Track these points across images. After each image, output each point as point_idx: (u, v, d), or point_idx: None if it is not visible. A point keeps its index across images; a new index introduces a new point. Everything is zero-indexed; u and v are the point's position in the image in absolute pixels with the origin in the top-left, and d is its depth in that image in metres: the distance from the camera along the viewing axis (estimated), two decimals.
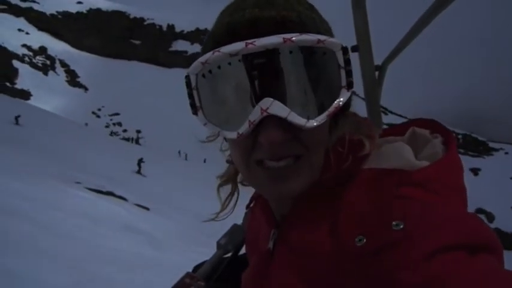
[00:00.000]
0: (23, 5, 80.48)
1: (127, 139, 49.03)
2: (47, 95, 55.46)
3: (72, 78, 65.29)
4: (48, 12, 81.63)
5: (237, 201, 0.77)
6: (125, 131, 55.40)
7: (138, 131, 44.65)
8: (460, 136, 52.56)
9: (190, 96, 0.60)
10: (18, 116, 16.08)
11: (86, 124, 41.98)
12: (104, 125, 55.18)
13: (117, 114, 59.52)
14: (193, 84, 0.59)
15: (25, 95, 51.96)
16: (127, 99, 63.53)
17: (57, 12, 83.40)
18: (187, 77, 0.60)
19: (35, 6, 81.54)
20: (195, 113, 0.61)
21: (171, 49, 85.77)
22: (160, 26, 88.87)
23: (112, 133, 51.98)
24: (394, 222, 0.50)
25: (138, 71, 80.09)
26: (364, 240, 0.51)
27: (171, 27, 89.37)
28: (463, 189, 0.59)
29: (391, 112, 69.56)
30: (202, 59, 0.56)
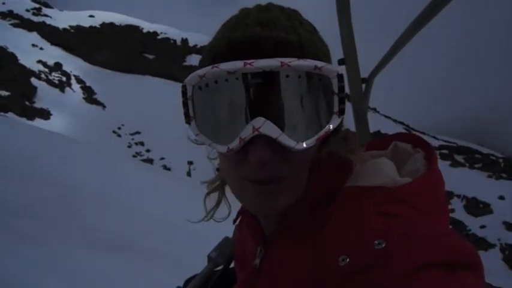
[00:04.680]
0: (36, 19, 78.98)
1: (149, 160, 47.13)
2: (66, 113, 53.70)
3: (89, 95, 63.53)
4: (61, 27, 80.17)
5: (230, 211, 0.80)
6: (148, 151, 53.59)
7: (190, 163, 42.78)
8: (500, 160, 50.83)
9: (185, 105, 0.62)
10: None
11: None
12: (126, 145, 53.33)
13: (138, 133, 57.70)
14: (189, 94, 0.61)
15: (45, 114, 50.11)
16: (146, 116, 61.89)
17: (69, 26, 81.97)
18: (183, 87, 0.62)
19: (48, 21, 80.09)
20: (188, 122, 0.63)
21: (185, 64, 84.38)
22: (174, 41, 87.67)
23: (136, 154, 50.09)
24: (376, 241, 0.51)
25: (153, 86, 78.68)
26: (348, 259, 0.52)
27: (184, 41, 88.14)
28: (445, 204, 0.61)
29: (413, 129, 68.10)
30: (200, 72, 0.59)
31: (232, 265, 0.99)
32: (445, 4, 1.06)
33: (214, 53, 0.61)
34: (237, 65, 0.55)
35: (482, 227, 40.14)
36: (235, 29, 0.61)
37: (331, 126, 0.60)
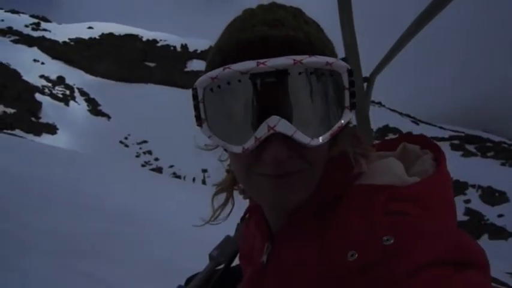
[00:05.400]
0: (35, 34, 79.25)
1: (159, 169, 46.92)
2: (72, 127, 53.69)
3: (94, 107, 63.54)
4: (60, 40, 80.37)
5: (232, 209, 0.80)
6: (156, 159, 53.49)
7: (205, 170, 42.45)
8: None
9: (196, 108, 0.62)
10: None
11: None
12: (135, 155, 53.22)
13: (145, 142, 57.63)
14: (200, 97, 0.61)
15: (51, 129, 50.14)
16: (151, 125, 61.84)
17: (69, 39, 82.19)
18: (194, 89, 0.62)
19: (47, 35, 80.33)
20: (199, 125, 0.62)
21: (186, 69, 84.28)
22: (174, 47, 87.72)
23: (145, 163, 49.97)
24: (384, 237, 0.52)
25: (156, 94, 78.67)
26: (356, 255, 0.53)
27: (184, 47, 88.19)
28: (452, 204, 0.62)
29: (420, 121, 67.64)
30: (212, 74, 0.58)
31: (233, 264, 0.98)
32: (447, 3, 1.04)
33: (223, 54, 0.61)
34: (250, 64, 0.56)
35: (500, 215, 39.58)
36: (243, 29, 0.61)
37: (343, 121, 0.60)
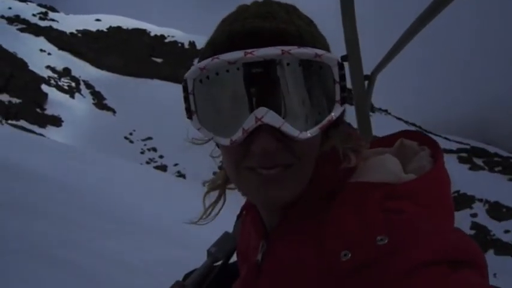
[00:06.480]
0: (43, 24, 78.60)
1: (163, 167, 46.53)
2: (77, 120, 53.23)
3: (99, 101, 63.01)
4: (68, 31, 79.75)
5: (221, 208, 0.78)
6: (161, 157, 53.05)
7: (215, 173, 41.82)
8: None
9: (186, 100, 0.61)
10: None
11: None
12: (139, 151, 52.76)
13: (150, 138, 57.15)
14: (190, 88, 0.60)
15: (57, 121, 49.63)
16: (156, 121, 61.41)
17: (76, 30, 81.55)
18: (184, 81, 0.61)
19: (55, 25, 79.66)
20: (189, 117, 0.61)
21: None
22: (182, 44, 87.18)
23: (150, 160, 49.56)
24: (378, 237, 0.51)
25: (161, 90, 78.16)
26: (349, 255, 0.52)
27: (192, 44, 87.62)
28: (450, 202, 0.61)
29: (426, 131, 67.36)
30: (201, 64, 0.58)
31: (231, 261, 0.98)
32: (451, 0, 1.02)
33: (214, 47, 0.61)
34: (237, 54, 0.55)
35: (507, 231, 39.32)
36: (235, 22, 0.61)
37: (333, 114, 0.59)
